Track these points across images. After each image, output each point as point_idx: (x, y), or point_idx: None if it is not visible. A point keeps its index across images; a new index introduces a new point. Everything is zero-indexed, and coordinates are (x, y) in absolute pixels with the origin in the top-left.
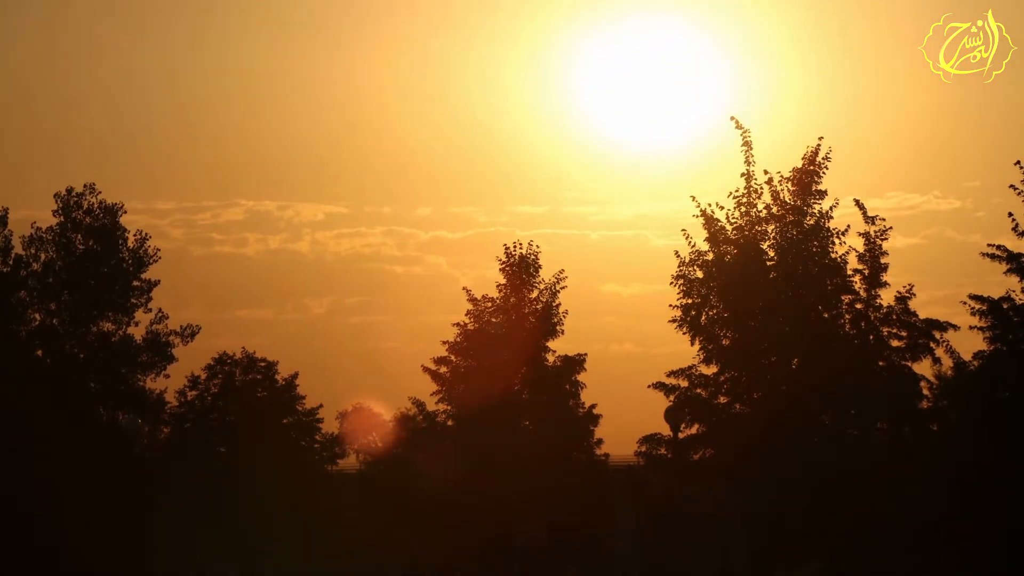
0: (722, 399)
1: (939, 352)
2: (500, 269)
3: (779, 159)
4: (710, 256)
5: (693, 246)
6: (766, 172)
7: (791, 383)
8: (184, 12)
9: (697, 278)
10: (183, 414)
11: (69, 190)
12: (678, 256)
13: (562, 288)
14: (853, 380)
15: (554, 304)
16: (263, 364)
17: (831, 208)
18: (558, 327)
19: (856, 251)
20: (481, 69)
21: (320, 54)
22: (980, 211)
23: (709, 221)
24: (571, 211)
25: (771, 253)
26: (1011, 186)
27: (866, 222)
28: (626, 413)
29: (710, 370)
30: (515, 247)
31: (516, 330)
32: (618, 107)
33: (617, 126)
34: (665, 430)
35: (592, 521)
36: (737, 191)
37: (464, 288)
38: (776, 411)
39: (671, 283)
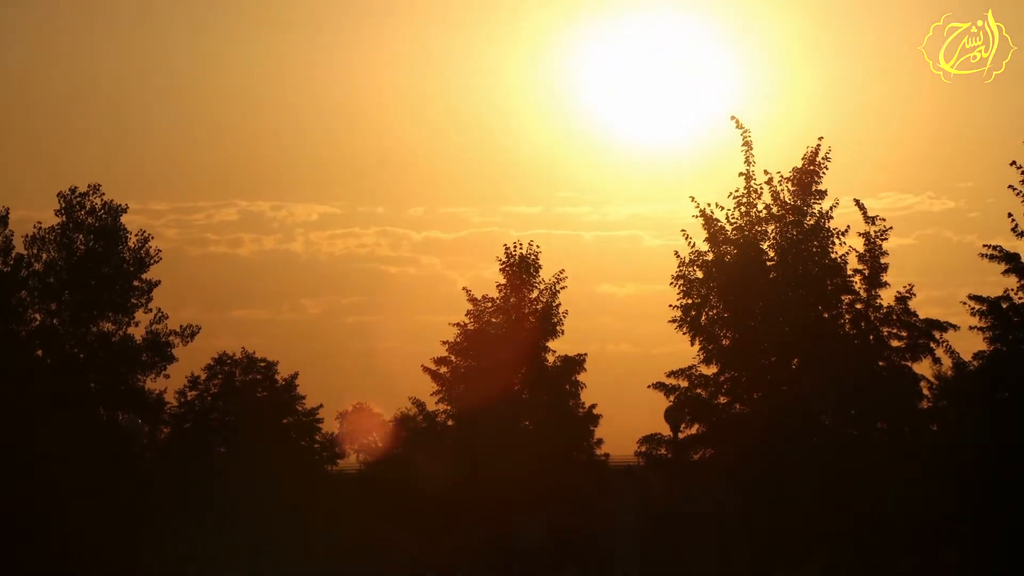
0: (722, 399)
1: (939, 352)
2: (500, 269)
3: (778, 159)
4: (710, 256)
5: (693, 246)
6: (766, 172)
7: (791, 383)
8: (178, 13)
9: (697, 278)
10: (183, 414)
11: (72, 190)
12: (678, 256)
13: (562, 288)
14: (853, 380)
15: (554, 304)
16: (263, 364)
17: (831, 208)
18: (558, 327)
19: (856, 251)
20: (473, 69)
21: (313, 55)
22: (976, 211)
23: (709, 221)
24: (565, 211)
25: (771, 253)
26: (1010, 186)
27: (866, 222)
28: (624, 413)
29: (710, 370)
30: (515, 247)
31: (516, 330)
32: (613, 107)
33: (611, 126)
34: (665, 430)
35: (592, 521)
36: (737, 191)
37: (464, 288)
38: (776, 411)
39: (671, 283)
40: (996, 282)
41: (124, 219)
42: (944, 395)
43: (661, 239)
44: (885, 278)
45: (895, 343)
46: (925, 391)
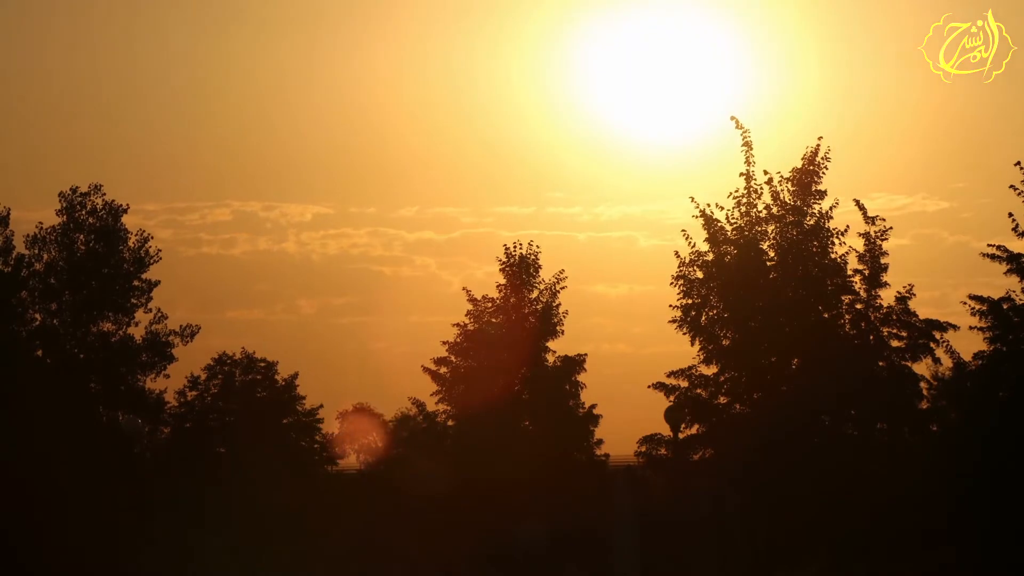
0: (722, 399)
1: (939, 352)
2: (500, 269)
3: (776, 159)
4: (710, 256)
5: (693, 246)
6: (766, 172)
7: (791, 383)
8: (172, 14)
9: (697, 278)
10: (183, 414)
11: (73, 189)
12: (678, 256)
13: (562, 288)
14: (853, 380)
15: (554, 304)
16: (263, 364)
17: (831, 208)
18: (558, 327)
19: (856, 251)
20: (464, 70)
21: (304, 56)
22: (969, 211)
23: (709, 221)
24: (558, 212)
25: (771, 253)
26: (1011, 186)
27: (866, 222)
28: (618, 413)
29: (710, 370)
30: (515, 247)
31: (516, 330)
32: (606, 107)
33: (605, 126)
34: (665, 430)
35: (592, 521)
36: (737, 191)
37: (464, 288)
38: (776, 411)
39: (671, 283)
40: (989, 283)
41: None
42: (944, 395)
43: (655, 239)
44: (885, 278)
45: (895, 343)
46: (925, 391)
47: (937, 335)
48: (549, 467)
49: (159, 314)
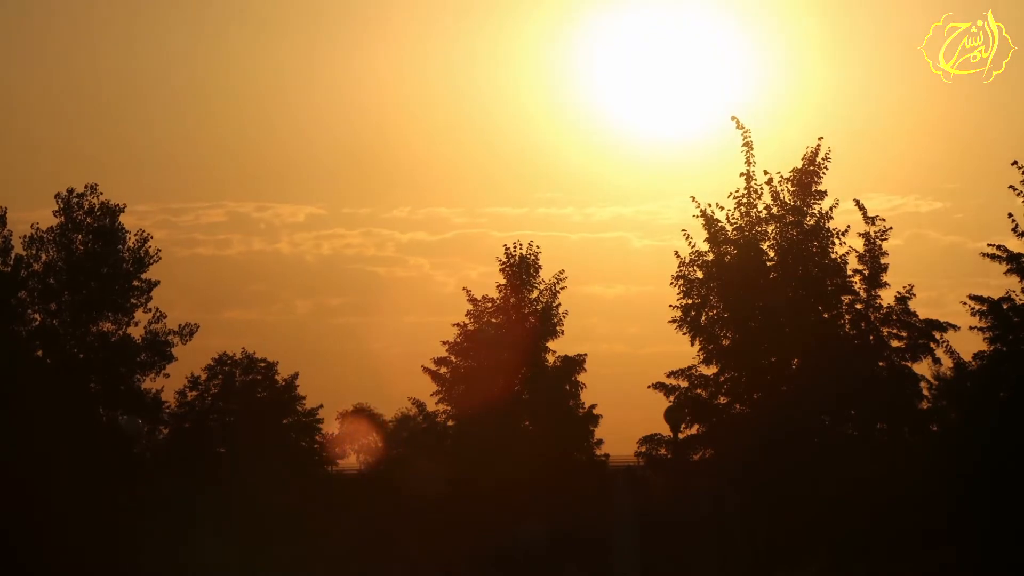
0: (722, 399)
1: (939, 352)
2: (500, 269)
3: (774, 159)
4: (710, 256)
5: (693, 246)
6: (766, 172)
7: (791, 383)
8: (167, 15)
9: (697, 278)
10: (183, 414)
11: (70, 190)
12: (678, 256)
13: (562, 288)
14: (853, 380)
15: (554, 304)
16: (263, 364)
17: (831, 208)
18: (558, 327)
19: (856, 251)
20: (457, 71)
21: (296, 57)
22: (966, 212)
23: (709, 221)
24: (549, 212)
25: (771, 253)
26: (1011, 187)
27: (866, 222)
28: (617, 413)
29: (710, 370)
30: (515, 247)
31: (516, 330)
32: (599, 107)
33: (598, 127)
34: (664, 430)
35: (592, 521)
36: (737, 191)
37: (464, 288)
38: (776, 411)
39: (671, 283)
40: (985, 283)
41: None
42: (944, 395)
43: (648, 240)
44: (885, 278)
45: (895, 343)
46: (925, 391)
47: (937, 335)
48: (549, 467)
49: (158, 314)
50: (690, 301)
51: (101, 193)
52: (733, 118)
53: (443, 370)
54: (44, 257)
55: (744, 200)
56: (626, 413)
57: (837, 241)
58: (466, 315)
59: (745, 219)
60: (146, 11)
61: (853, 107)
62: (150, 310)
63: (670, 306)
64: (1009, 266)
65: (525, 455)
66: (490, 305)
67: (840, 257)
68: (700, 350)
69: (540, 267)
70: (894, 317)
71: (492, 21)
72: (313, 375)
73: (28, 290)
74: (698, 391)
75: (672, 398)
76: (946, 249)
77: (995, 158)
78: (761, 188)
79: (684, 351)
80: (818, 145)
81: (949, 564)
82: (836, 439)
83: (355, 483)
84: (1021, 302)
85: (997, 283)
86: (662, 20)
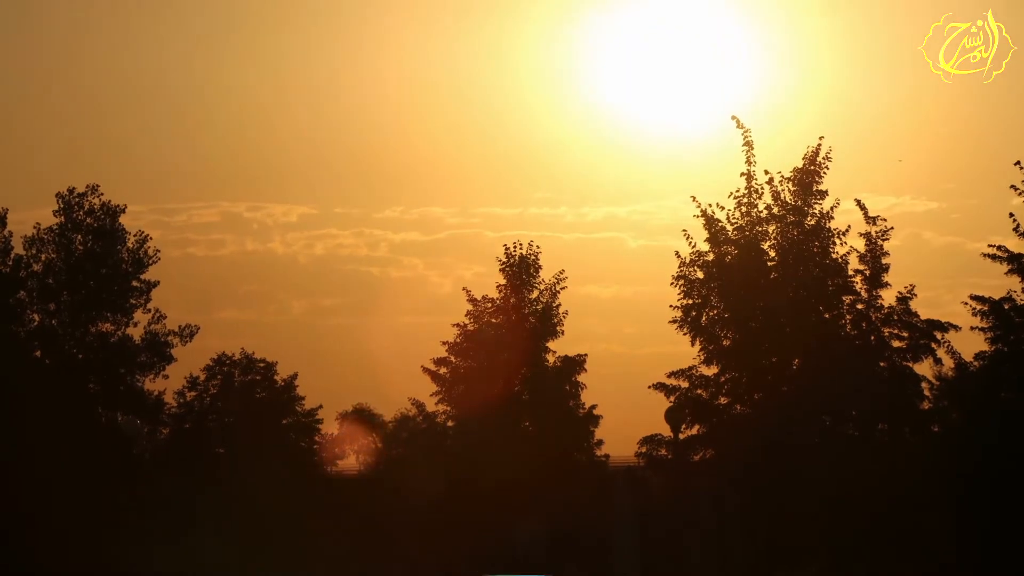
0: (723, 400)
1: (940, 353)
2: (500, 269)
3: (773, 159)
4: (711, 256)
5: (693, 246)
6: (767, 172)
7: (792, 384)
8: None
9: (698, 279)
10: (182, 415)
11: (71, 190)
12: (678, 256)
13: (562, 288)
14: (854, 381)
15: (554, 304)
16: (262, 365)
17: (832, 208)
18: (558, 327)
19: (857, 251)
20: (449, 71)
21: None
22: (962, 212)
23: (710, 221)
24: (543, 212)
25: (772, 253)
26: (1012, 186)
27: (867, 222)
28: (615, 414)
29: (711, 371)
30: (515, 247)
31: (516, 330)
32: (595, 108)
33: (592, 127)
34: (665, 431)
35: (592, 521)
36: (738, 191)
37: (464, 288)
38: (777, 412)
39: (671, 283)
40: (981, 283)
41: None
42: (945, 396)
43: (642, 240)
44: (886, 278)
45: (896, 344)
46: (926, 392)
47: (938, 335)
48: (549, 467)
49: (158, 314)
50: (691, 301)
51: (102, 193)
52: (733, 117)
53: (443, 370)
54: (44, 257)
55: (745, 200)
56: (624, 414)
57: (838, 241)
58: (466, 315)
59: (746, 219)
60: (140, 11)
61: (852, 107)
62: (149, 310)
63: (670, 306)
64: (1010, 266)
65: (525, 455)
66: (490, 305)
67: (841, 257)
68: (701, 350)
69: (540, 267)
70: (895, 317)
71: (488, 21)
72: (310, 376)
73: (27, 290)
74: (699, 391)
75: (673, 398)
76: (942, 249)
77: (994, 158)
78: (762, 188)
79: (682, 352)
80: (819, 145)
81: (950, 565)
82: (837, 439)
83: (355, 483)
84: (1022, 302)
85: (995, 283)
86: (661, 21)
